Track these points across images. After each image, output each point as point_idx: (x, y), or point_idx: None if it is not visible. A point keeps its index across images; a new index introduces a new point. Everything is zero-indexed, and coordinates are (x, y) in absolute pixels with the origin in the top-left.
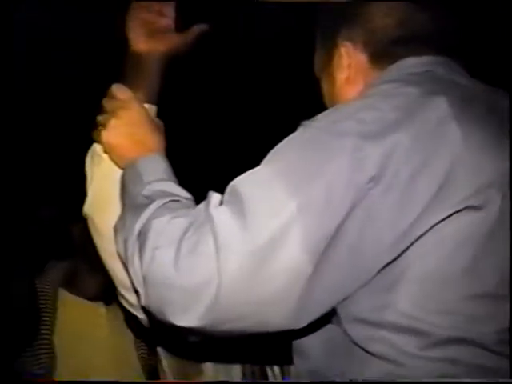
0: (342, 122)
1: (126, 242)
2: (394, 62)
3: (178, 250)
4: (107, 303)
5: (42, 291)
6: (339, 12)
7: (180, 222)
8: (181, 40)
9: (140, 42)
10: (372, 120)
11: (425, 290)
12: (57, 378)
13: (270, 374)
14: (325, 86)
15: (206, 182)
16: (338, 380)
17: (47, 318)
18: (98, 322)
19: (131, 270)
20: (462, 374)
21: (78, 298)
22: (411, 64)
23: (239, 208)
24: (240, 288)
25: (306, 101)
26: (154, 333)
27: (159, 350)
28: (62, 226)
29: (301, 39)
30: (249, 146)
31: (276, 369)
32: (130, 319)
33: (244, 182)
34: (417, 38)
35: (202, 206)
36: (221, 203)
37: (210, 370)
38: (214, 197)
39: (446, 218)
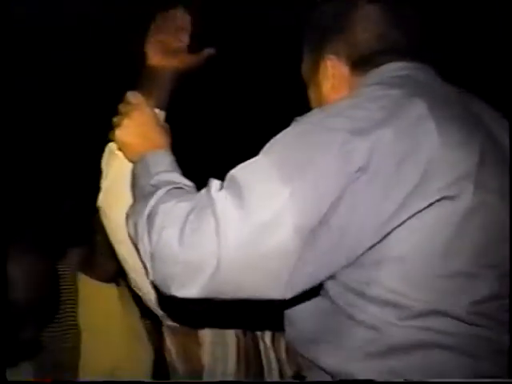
0: (333, 118)
1: (136, 225)
2: (373, 68)
3: (183, 229)
4: (118, 284)
5: (64, 273)
6: (324, 28)
7: (184, 206)
8: (192, 60)
9: (156, 58)
10: (360, 118)
11: (406, 268)
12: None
13: (261, 346)
14: (312, 92)
15: (206, 177)
16: (328, 347)
17: (71, 297)
18: (112, 300)
19: (141, 248)
20: (439, 341)
21: (94, 280)
22: (392, 68)
23: (237, 192)
24: (237, 262)
25: (298, 99)
26: (158, 309)
27: (164, 329)
28: (80, 217)
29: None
30: (245, 148)
31: (267, 340)
32: (137, 299)
33: (242, 170)
34: (394, 49)
35: (203, 191)
36: (221, 188)
37: (207, 343)
38: (215, 183)
39: (426, 206)
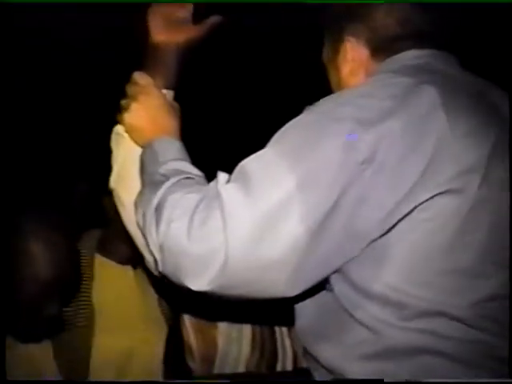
0: (341, 107)
1: (144, 215)
2: (392, 54)
3: (191, 222)
4: (134, 267)
5: (81, 254)
6: (345, 11)
7: (192, 198)
8: (197, 31)
9: (159, 33)
10: (368, 107)
11: (408, 264)
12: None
13: (277, 333)
14: (331, 75)
15: (216, 161)
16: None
17: (86, 278)
18: (128, 282)
19: (149, 240)
20: (437, 346)
21: (110, 261)
22: (408, 57)
23: (245, 184)
24: (244, 255)
25: (308, 90)
26: (174, 292)
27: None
28: (96, 199)
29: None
30: (256, 126)
31: (284, 329)
32: (153, 280)
33: (250, 162)
34: (415, 35)
35: (211, 184)
36: (229, 181)
37: (224, 325)
38: (222, 176)
39: (430, 198)
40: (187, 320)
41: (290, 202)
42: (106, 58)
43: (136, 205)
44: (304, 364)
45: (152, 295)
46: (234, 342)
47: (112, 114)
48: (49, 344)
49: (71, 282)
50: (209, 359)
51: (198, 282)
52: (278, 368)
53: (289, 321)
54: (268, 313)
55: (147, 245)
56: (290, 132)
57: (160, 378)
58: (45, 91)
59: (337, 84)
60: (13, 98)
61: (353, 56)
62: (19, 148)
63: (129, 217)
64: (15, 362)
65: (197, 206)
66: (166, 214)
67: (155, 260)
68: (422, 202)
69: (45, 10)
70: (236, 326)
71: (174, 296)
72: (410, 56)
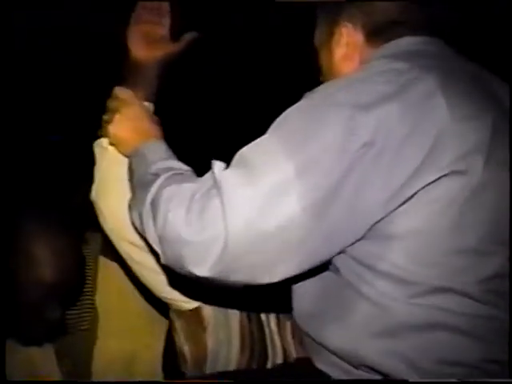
0: (339, 92)
1: (140, 214)
2: (387, 41)
3: (188, 210)
4: None
5: (86, 256)
6: None
7: (188, 187)
8: (175, 47)
9: (139, 49)
10: (367, 92)
11: (414, 244)
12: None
13: (267, 331)
14: (323, 60)
15: (200, 168)
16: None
17: (90, 280)
18: (131, 285)
19: (148, 235)
20: (446, 321)
21: (114, 263)
22: (406, 43)
23: (244, 171)
24: (244, 240)
25: (303, 78)
26: (165, 295)
27: (172, 315)
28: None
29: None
30: (239, 137)
31: (273, 326)
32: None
33: (249, 149)
34: (411, 21)
35: (207, 174)
36: (225, 169)
37: (211, 326)
38: (218, 163)
39: (434, 181)
40: (178, 325)
41: (288, 187)
42: (84, 73)
43: (130, 209)
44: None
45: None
46: (223, 344)
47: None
48: (50, 348)
49: (74, 286)
50: (200, 361)
51: (201, 269)
52: (269, 366)
53: (279, 309)
54: (260, 301)
55: (148, 242)
56: (289, 118)
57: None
58: (45, 89)
59: (328, 68)
60: (15, 95)
61: (348, 41)
62: (23, 148)
63: (110, 227)
64: (16, 365)
65: (193, 195)
66: (162, 206)
67: (157, 254)
68: (426, 185)
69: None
70: (223, 328)
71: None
72: (406, 42)
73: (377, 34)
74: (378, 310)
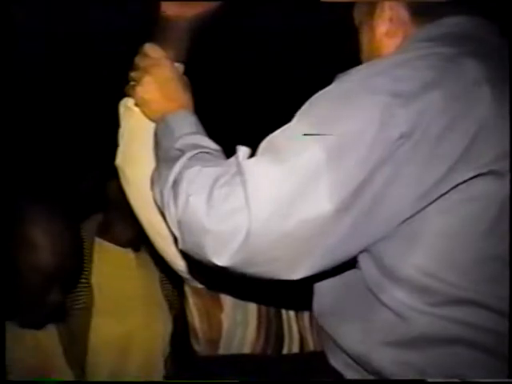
0: (377, 77)
1: (161, 192)
2: (434, 20)
3: (210, 197)
4: (135, 250)
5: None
6: None
7: (211, 171)
8: (209, 4)
9: (171, 6)
10: (406, 78)
11: (442, 246)
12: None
13: (284, 317)
14: (363, 38)
15: (228, 137)
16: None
17: (85, 261)
18: (128, 265)
19: (167, 216)
20: (466, 335)
21: (110, 244)
22: (452, 23)
23: (272, 159)
24: (268, 233)
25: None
26: (183, 272)
27: (186, 290)
28: (98, 183)
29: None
30: (274, 103)
31: (291, 313)
32: (159, 263)
33: (277, 136)
34: (460, 0)
35: (231, 159)
36: (250, 157)
37: (229, 307)
38: (243, 150)
39: (470, 179)
40: (192, 302)
41: (318, 178)
42: (111, 30)
43: (152, 182)
44: (311, 348)
45: (154, 279)
46: (240, 326)
47: (117, 90)
48: (54, 329)
49: (74, 269)
50: (213, 341)
51: (220, 259)
52: (284, 351)
53: (301, 303)
54: (279, 294)
55: (166, 221)
56: (320, 103)
57: (161, 362)
58: (48, 67)
59: (369, 47)
60: (15, 81)
61: (391, 16)
62: (22, 134)
63: (134, 195)
64: (22, 347)
65: (216, 181)
66: (183, 188)
67: (175, 237)
68: (461, 183)
69: None
70: (241, 310)
71: (178, 278)
72: (452, 23)
73: (422, 12)
74: (397, 319)
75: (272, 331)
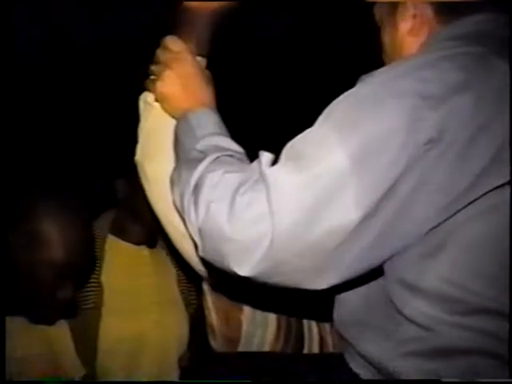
0: (403, 79)
1: (182, 195)
2: (459, 17)
3: (232, 205)
4: (150, 246)
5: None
6: None
7: (233, 177)
8: None
9: None
10: (434, 79)
11: (468, 256)
12: (104, 313)
13: (306, 329)
14: (386, 35)
15: (255, 133)
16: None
17: (96, 260)
18: (142, 262)
19: (188, 222)
20: (493, 347)
21: (123, 242)
22: (477, 20)
23: (295, 166)
24: (292, 243)
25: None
26: (202, 270)
27: (205, 288)
28: (111, 180)
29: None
30: (300, 100)
31: (313, 324)
32: (176, 259)
33: (300, 141)
34: None
35: (254, 164)
36: (273, 162)
37: (248, 308)
38: (266, 156)
39: (500, 185)
40: (210, 300)
41: (343, 184)
42: (132, 22)
43: (172, 183)
44: (330, 349)
45: (170, 276)
46: (259, 326)
47: (137, 84)
48: (65, 325)
49: (85, 266)
50: (232, 341)
51: (241, 268)
52: (305, 352)
53: (321, 312)
54: (299, 303)
55: (186, 227)
56: (344, 106)
57: (175, 362)
58: (68, 59)
59: (392, 46)
60: (34, 76)
61: (414, 13)
62: (36, 129)
63: (153, 191)
64: (32, 342)
65: (238, 188)
66: (204, 194)
67: (194, 242)
68: (490, 190)
69: None
70: (260, 313)
71: (197, 276)
72: (478, 20)
73: (447, 10)
74: (420, 331)
75: (292, 332)
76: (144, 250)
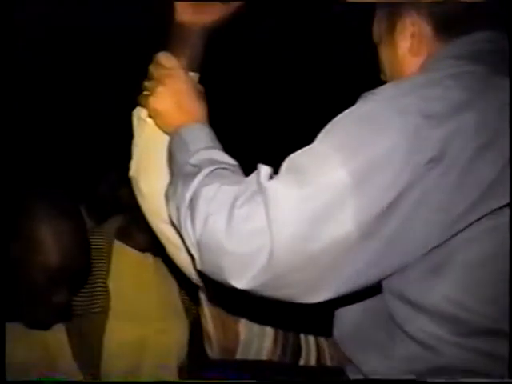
0: (405, 97)
1: (178, 209)
2: (459, 35)
3: (230, 217)
4: (155, 254)
5: (99, 239)
6: None
7: (230, 190)
8: (225, 10)
9: (186, 12)
10: (436, 98)
11: (471, 276)
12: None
13: (303, 341)
14: (385, 55)
15: (247, 148)
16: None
17: (103, 265)
18: (146, 269)
19: (185, 236)
20: (493, 369)
21: (129, 248)
22: (479, 39)
23: (294, 180)
24: (290, 257)
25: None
26: (197, 281)
27: (201, 297)
28: (115, 185)
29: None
30: (291, 114)
31: (310, 337)
32: (174, 270)
33: (301, 156)
34: (483, 12)
35: (252, 176)
36: (271, 176)
37: (245, 321)
38: (265, 169)
39: (502, 206)
40: (207, 310)
41: (343, 201)
42: (126, 37)
43: (167, 198)
44: (328, 362)
45: (173, 284)
46: (256, 337)
47: (133, 97)
48: (62, 329)
49: (80, 270)
50: (229, 350)
51: (239, 282)
52: (301, 364)
53: (321, 328)
54: (296, 317)
55: (183, 241)
56: (346, 122)
57: (175, 370)
58: (63, 71)
59: (392, 64)
60: (35, 81)
61: (413, 32)
62: (35, 133)
63: (148, 207)
64: (29, 347)
65: (236, 200)
66: (201, 208)
67: (192, 256)
68: (492, 211)
69: None
70: (257, 326)
71: (193, 286)
72: (480, 39)
73: (446, 28)
74: (421, 349)
75: (289, 343)
76: (149, 258)
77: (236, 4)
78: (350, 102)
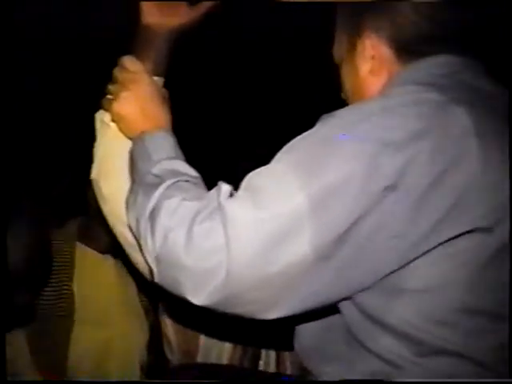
0: (363, 123)
1: (138, 220)
2: (419, 58)
3: (189, 234)
4: (115, 256)
5: (61, 242)
6: (365, 3)
7: (191, 205)
8: (192, 14)
9: (152, 15)
10: (393, 126)
11: (427, 300)
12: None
13: (263, 358)
14: (346, 76)
15: (208, 155)
16: (330, 380)
17: (66, 266)
18: (107, 271)
19: (144, 248)
20: None
21: (90, 249)
22: (437, 63)
23: (253, 201)
24: (247, 276)
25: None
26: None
27: (160, 307)
28: (78, 188)
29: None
30: (246, 120)
31: (272, 353)
32: (133, 272)
33: (258, 176)
34: (444, 36)
35: (212, 193)
36: (231, 194)
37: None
38: (225, 187)
39: (456, 236)
40: (167, 316)
41: (300, 223)
42: (90, 40)
43: (128, 207)
44: (288, 370)
45: (133, 286)
46: (217, 342)
47: (97, 100)
48: (20, 331)
49: (39, 272)
50: (189, 354)
51: (197, 297)
52: (261, 366)
53: (280, 345)
54: (255, 330)
55: (142, 253)
56: (305, 145)
57: (137, 372)
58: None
59: (353, 85)
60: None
61: (373, 54)
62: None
63: (109, 209)
64: None
65: (196, 216)
66: (162, 221)
67: (151, 269)
68: (447, 240)
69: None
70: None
71: (153, 290)
72: (439, 63)
73: (406, 50)
74: (383, 365)
75: (249, 346)
76: (109, 259)
77: (203, 7)
78: (310, 121)
